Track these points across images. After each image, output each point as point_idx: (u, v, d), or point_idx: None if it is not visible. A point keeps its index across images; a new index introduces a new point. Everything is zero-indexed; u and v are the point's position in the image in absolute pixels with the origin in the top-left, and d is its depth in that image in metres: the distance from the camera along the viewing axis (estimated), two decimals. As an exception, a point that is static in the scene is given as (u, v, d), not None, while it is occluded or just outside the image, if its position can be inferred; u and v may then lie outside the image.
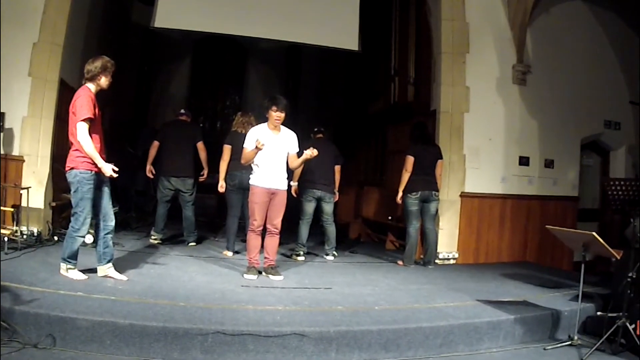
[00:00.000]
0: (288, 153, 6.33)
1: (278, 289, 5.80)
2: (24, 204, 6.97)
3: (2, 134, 7.17)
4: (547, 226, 5.58)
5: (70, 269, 5.33)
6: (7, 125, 7.23)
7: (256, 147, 5.96)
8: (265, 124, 6.31)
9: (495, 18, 8.79)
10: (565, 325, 5.44)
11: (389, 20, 11.02)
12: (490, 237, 8.73)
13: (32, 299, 4.38)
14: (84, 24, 8.30)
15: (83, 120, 5.12)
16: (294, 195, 7.74)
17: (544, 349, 5.02)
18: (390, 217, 9.70)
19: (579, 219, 9.23)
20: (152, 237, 8.06)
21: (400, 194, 7.81)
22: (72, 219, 5.34)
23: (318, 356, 4.40)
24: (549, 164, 9.10)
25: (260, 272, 6.35)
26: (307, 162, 7.61)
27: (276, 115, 6.19)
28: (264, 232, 6.33)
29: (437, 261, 8.18)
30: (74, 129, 5.19)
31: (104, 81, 5.36)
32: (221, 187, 7.57)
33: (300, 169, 7.41)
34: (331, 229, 8.14)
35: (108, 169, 5.24)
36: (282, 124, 6.31)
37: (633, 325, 4.90)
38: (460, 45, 8.59)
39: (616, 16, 9.52)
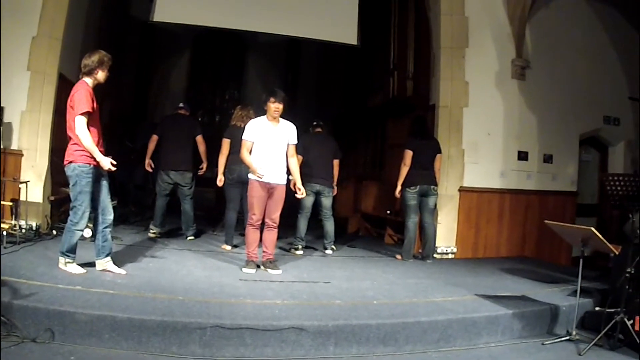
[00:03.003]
0: (288, 145, 6.34)
1: (276, 283, 5.81)
2: (22, 198, 6.96)
3: (1, 128, 7.16)
4: (545, 221, 5.59)
5: (68, 262, 5.32)
6: (5, 119, 7.22)
7: (257, 174, 6.10)
8: (264, 116, 6.31)
9: (495, 13, 8.78)
10: (564, 320, 5.45)
11: (388, 14, 10.98)
12: (488, 231, 8.73)
13: (30, 293, 4.38)
14: (82, 18, 8.28)
15: (81, 114, 5.12)
16: (293, 189, 7.77)
17: (542, 344, 5.03)
18: (388, 211, 9.71)
19: (578, 214, 9.22)
20: (151, 231, 8.06)
21: (399, 188, 7.81)
22: (70, 212, 5.33)
23: (316, 350, 4.41)
24: (547, 159, 9.10)
25: (258, 266, 6.36)
26: (305, 156, 7.65)
27: (274, 106, 6.19)
28: (262, 226, 6.34)
29: (435, 255, 8.19)
30: (72, 123, 5.19)
31: (101, 75, 5.36)
32: (220, 181, 7.57)
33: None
34: (330, 223, 8.15)
35: (106, 163, 5.24)
36: (281, 117, 6.32)
37: (631, 321, 4.91)
38: (459, 40, 8.58)
39: (615, 11, 9.49)
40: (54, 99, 7.43)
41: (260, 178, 6.09)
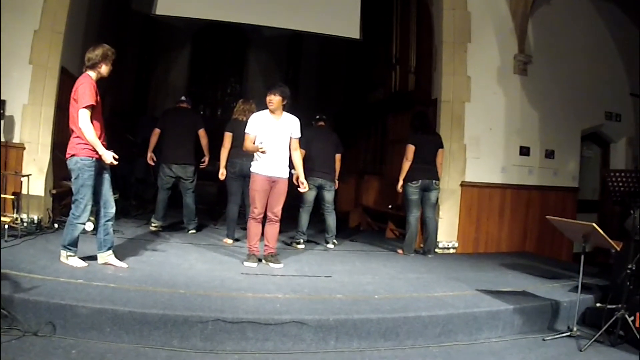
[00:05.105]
0: (291, 138, 6.33)
1: (278, 277, 5.82)
2: (24, 191, 6.97)
3: (2, 121, 7.17)
4: (547, 217, 5.58)
5: (70, 256, 5.33)
6: (7, 112, 7.24)
7: (260, 150, 6.04)
8: (267, 110, 6.31)
9: (497, 8, 8.76)
10: (565, 316, 5.46)
11: (390, 8, 10.97)
12: (490, 227, 8.74)
13: (31, 287, 4.39)
14: (84, 12, 8.26)
15: (85, 107, 5.12)
16: (296, 183, 7.77)
17: (543, 340, 5.03)
18: (390, 206, 9.71)
19: (579, 210, 9.23)
20: (152, 224, 8.06)
21: (400, 182, 7.80)
22: (72, 206, 5.34)
23: (317, 344, 4.42)
24: (549, 154, 9.09)
25: (260, 260, 6.37)
26: (307, 150, 7.64)
27: (267, 98, 6.20)
28: (264, 220, 6.34)
29: (436, 250, 8.20)
30: (75, 116, 5.19)
31: (104, 69, 5.36)
32: (222, 174, 7.57)
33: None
34: (331, 217, 8.15)
35: (108, 157, 5.24)
36: (284, 110, 6.31)
37: (632, 317, 4.92)
38: (461, 35, 8.55)
39: (617, 8, 9.48)
40: (55, 93, 7.42)
41: (265, 153, 6.06)
